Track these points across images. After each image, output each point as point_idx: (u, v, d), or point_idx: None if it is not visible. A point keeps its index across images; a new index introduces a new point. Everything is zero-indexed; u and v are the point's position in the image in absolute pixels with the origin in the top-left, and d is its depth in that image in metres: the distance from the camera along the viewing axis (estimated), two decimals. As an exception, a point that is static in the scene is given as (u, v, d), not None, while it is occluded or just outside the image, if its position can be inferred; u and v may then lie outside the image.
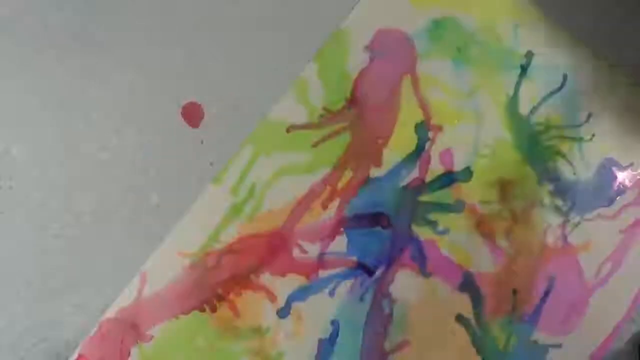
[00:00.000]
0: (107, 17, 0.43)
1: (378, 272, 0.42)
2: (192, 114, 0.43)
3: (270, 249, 0.41)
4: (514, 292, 0.42)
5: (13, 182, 0.42)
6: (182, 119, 0.43)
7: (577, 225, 0.43)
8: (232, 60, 0.43)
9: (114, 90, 0.42)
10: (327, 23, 0.44)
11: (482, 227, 0.42)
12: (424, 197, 0.42)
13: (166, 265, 0.41)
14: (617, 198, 0.44)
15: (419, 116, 0.43)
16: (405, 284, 0.42)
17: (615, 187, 0.44)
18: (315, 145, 0.42)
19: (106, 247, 0.42)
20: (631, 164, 0.44)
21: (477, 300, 0.42)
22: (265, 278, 0.41)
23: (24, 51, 0.43)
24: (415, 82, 0.43)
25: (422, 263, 0.42)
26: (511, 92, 0.44)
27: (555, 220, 0.43)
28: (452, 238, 0.42)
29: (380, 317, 0.42)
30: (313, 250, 0.42)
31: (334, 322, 0.41)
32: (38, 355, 0.41)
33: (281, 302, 0.41)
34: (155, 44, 0.43)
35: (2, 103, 0.42)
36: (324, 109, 0.43)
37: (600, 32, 0.45)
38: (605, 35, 0.45)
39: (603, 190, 0.44)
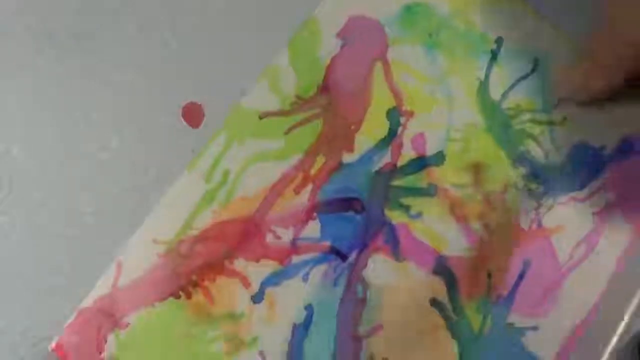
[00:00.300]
0: (107, 17, 0.44)
1: (351, 257, 0.42)
2: (193, 114, 0.43)
3: (244, 234, 0.42)
4: (489, 275, 0.42)
5: (13, 182, 0.42)
6: (183, 119, 0.43)
7: (550, 208, 0.43)
8: (230, 60, 0.44)
9: (114, 90, 0.43)
10: (299, 11, 0.44)
11: (456, 210, 0.43)
12: (397, 182, 0.43)
13: (141, 253, 0.41)
14: (589, 181, 0.44)
15: (390, 102, 0.44)
16: (378, 268, 0.42)
17: (587, 171, 0.44)
18: (287, 132, 0.43)
19: (106, 247, 0.42)
20: (603, 147, 0.44)
21: (451, 283, 0.42)
22: (239, 264, 0.42)
23: (24, 51, 0.43)
24: (386, 68, 0.44)
25: (395, 247, 0.42)
26: (482, 77, 0.44)
27: (529, 203, 0.44)
28: (425, 222, 0.43)
29: (354, 301, 0.42)
30: (286, 235, 0.42)
31: (307, 307, 0.42)
32: (38, 355, 0.42)
33: (255, 287, 0.42)
34: (155, 44, 0.43)
35: (2, 103, 0.43)
36: (296, 96, 0.43)
37: (572, 17, 0.45)
38: (579, 20, 0.45)
39: (575, 174, 0.44)
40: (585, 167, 0.44)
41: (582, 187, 0.44)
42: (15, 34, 0.42)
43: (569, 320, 0.43)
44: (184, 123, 0.44)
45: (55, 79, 0.43)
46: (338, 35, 0.44)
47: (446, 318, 0.42)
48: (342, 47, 0.44)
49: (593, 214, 0.44)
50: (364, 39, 0.44)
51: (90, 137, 0.43)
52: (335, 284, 0.42)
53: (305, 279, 0.42)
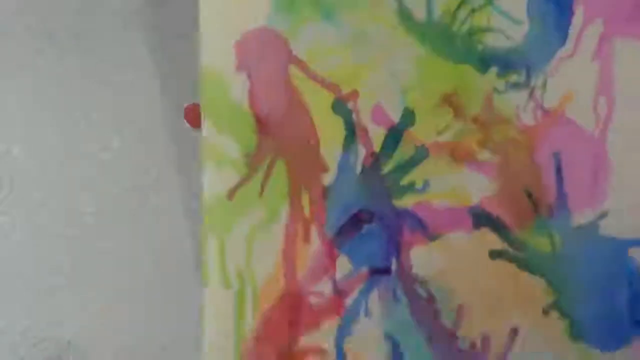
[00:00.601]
0: (106, 18, 0.44)
1: (393, 266, 0.40)
2: (194, 115, 0.42)
3: (291, 312, 0.40)
4: (528, 194, 0.39)
5: (14, 182, 0.44)
6: (184, 120, 0.43)
7: (544, 84, 0.39)
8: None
9: (114, 91, 0.43)
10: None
11: (457, 154, 0.39)
12: (386, 168, 0.40)
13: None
14: (568, 28, 0.38)
15: (328, 96, 0.41)
16: (423, 259, 0.40)
17: (557, 19, 0.39)
18: (261, 193, 0.41)
19: (107, 247, 0.43)
20: None
21: (498, 227, 0.40)
22: (305, 341, 0.41)
23: (24, 51, 0.45)
24: (302, 66, 0.40)
25: (424, 230, 0.40)
26: (395, 5, 0.39)
27: (521, 97, 0.39)
28: (435, 186, 0.40)
29: (423, 303, 0.40)
30: (326, 286, 0.41)
31: (388, 337, 0.40)
32: (38, 355, 0.44)
33: (332, 351, 0.41)
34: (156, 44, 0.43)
35: (2, 103, 0.44)
36: (244, 156, 0.41)
37: None
38: None
39: (547, 31, 0.39)
40: (552, 17, 0.39)
41: (563, 40, 0.39)
42: (16, 34, 0.43)
43: (636, 186, 0.38)
44: (185, 124, 0.43)
45: (55, 79, 0.44)
46: (238, 68, 0.40)
47: (516, 261, 0.39)
48: (249, 77, 0.41)
49: (592, 59, 0.38)
50: (262, 53, 0.41)
51: (91, 137, 0.43)
52: (396, 300, 0.40)
53: (368, 314, 0.40)
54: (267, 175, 0.41)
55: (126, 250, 0.43)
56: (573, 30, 0.39)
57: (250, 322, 0.41)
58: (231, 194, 0.41)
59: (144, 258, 0.43)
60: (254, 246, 0.41)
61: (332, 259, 0.40)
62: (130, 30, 0.43)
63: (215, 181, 0.41)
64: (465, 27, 0.40)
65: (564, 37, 0.39)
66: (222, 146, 0.41)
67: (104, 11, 0.43)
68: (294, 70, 0.40)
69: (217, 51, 0.41)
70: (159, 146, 0.42)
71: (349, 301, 0.41)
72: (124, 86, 0.43)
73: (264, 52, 0.40)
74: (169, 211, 0.42)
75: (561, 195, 0.39)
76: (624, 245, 0.39)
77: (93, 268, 0.43)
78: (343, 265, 0.41)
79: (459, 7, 0.40)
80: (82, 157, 0.42)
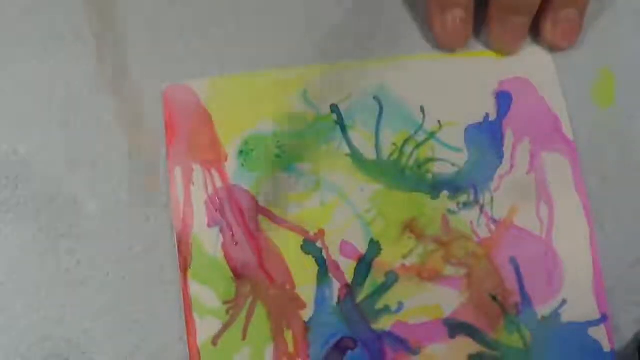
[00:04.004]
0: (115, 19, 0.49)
1: (382, 386, 0.45)
2: None
3: None
4: (494, 298, 0.45)
5: (19, 181, 0.47)
6: None
7: (492, 201, 0.47)
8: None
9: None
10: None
11: (424, 274, 0.46)
12: (360, 296, 0.46)
13: None
14: (502, 149, 0.47)
15: (297, 240, 0.47)
16: None
17: (491, 143, 0.48)
18: (244, 337, 0.46)
19: (108, 247, 0.45)
20: (486, 115, 0.46)
21: (472, 332, 0.46)
22: None
23: (28, 51, 0.48)
24: (269, 215, 0.47)
25: (406, 347, 0.46)
26: (347, 150, 0.46)
27: (473, 214, 0.47)
28: (409, 306, 0.46)
29: None
30: (320, 418, 0.45)
31: None
32: (38, 355, 0.45)
33: None
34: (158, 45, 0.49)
35: (8, 102, 0.46)
36: (224, 303, 0.46)
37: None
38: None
39: (485, 155, 0.48)
40: (488, 141, 0.48)
41: (500, 158, 0.48)
42: (20, 34, 0.45)
43: (584, 270, 0.46)
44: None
45: (63, 79, 0.48)
46: (208, 224, 0.47)
47: (494, 359, 0.45)
48: (221, 231, 0.47)
49: (527, 173, 0.47)
50: (230, 208, 0.47)
51: (97, 137, 0.47)
52: (391, 420, 0.45)
53: None
54: (248, 319, 0.46)
55: (126, 250, 0.46)
56: (506, 151, 0.48)
57: None
58: (215, 341, 0.46)
59: (145, 258, 0.46)
60: (245, 388, 0.45)
61: (322, 389, 0.46)
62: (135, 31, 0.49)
63: (200, 330, 0.46)
64: (413, 160, 0.48)
65: (500, 157, 0.48)
66: (203, 298, 0.46)
67: (112, 12, 0.49)
68: (262, 220, 0.47)
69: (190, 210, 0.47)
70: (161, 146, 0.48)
71: None
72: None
73: (232, 207, 0.47)
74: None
75: (523, 293, 0.46)
76: (584, 327, 0.46)
77: (94, 268, 0.46)
78: (333, 393, 0.46)
79: (404, 144, 0.48)
80: (89, 157, 0.46)
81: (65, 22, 0.49)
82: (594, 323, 0.46)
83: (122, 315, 0.46)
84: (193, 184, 0.47)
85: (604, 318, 0.46)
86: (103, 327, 0.46)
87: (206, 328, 0.46)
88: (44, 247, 0.46)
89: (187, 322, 0.46)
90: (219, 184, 0.47)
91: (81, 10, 0.48)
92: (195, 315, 0.46)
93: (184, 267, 0.46)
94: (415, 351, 0.46)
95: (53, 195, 0.47)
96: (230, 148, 0.48)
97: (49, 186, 0.47)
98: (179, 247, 0.46)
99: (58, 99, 0.48)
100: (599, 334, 0.46)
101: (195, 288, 0.46)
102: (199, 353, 0.45)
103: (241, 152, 0.48)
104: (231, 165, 0.48)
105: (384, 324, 0.46)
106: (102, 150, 0.47)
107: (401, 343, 0.46)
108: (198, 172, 0.47)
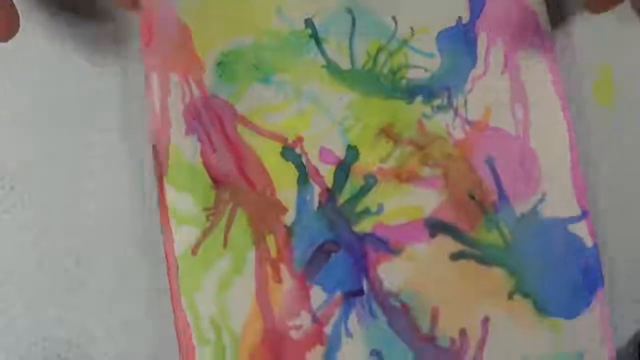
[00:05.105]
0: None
1: (365, 286, 0.47)
2: None
3: (275, 352, 0.46)
4: (472, 197, 0.47)
5: (15, 182, 0.47)
6: None
7: (466, 103, 0.49)
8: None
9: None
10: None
11: (402, 176, 0.48)
12: (341, 200, 0.48)
13: None
14: (475, 52, 0.49)
15: (276, 146, 0.48)
16: (390, 273, 0.48)
17: (464, 47, 0.50)
18: (225, 244, 0.47)
19: (108, 247, 0.46)
20: (459, 18, 0.49)
21: (452, 231, 0.48)
22: (295, 375, 0.46)
23: (26, 52, 0.48)
24: (248, 124, 0.48)
25: (386, 247, 0.47)
26: (323, 61, 0.48)
27: (448, 117, 0.49)
28: (389, 207, 0.48)
29: (399, 314, 0.47)
30: (305, 319, 0.47)
31: (373, 352, 0.47)
32: (38, 355, 0.46)
33: (323, 380, 0.46)
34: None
35: (4, 103, 0.47)
36: (204, 209, 0.47)
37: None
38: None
39: (458, 59, 0.50)
40: (460, 45, 0.50)
41: (474, 61, 0.50)
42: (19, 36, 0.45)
43: (563, 168, 0.48)
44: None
45: (60, 80, 0.48)
46: (186, 132, 0.48)
47: (474, 258, 0.47)
48: (199, 139, 0.48)
49: (501, 72, 0.50)
50: (208, 117, 0.48)
51: (97, 138, 0.48)
52: (373, 316, 0.47)
53: (350, 334, 0.47)
54: (228, 226, 0.47)
55: (127, 251, 0.47)
56: (480, 53, 0.50)
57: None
58: (195, 250, 0.47)
59: (144, 258, 0.47)
60: (227, 296, 0.47)
61: (306, 291, 0.47)
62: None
63: (178, 240, 0.47)
64: (387, 68, 0.50)
65: (473, 60, 0.50)
66: (181, 204, 0.47)
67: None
68: (241, 129, 0.48)
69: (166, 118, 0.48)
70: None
71: (329, 328, 0.47)
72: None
73: (211, 116, 0.48)
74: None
75: (501, 192, 0.48)
76: (564, 223, 0.48)
77: (94, 268, 0.46)
78: (317, 295, 0.47)
79: (377, 53, 0.50)
80: (86, 158, 0.47)
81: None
82: (575, 219, 0.49)
83: (122, 315, 0.47)
84: (170, 92, 0.48)
85: (584, 214, 0.48)
86: (103, 327, 0.47)
87: (184, 237, 0.47)
88: (44, 247, 0.47)
89: (164, 231, 0.47)
90: (197, 93, 0.48)
91: None
92: (173, 224, 0.47)
93: (160, 174, 0.47)
94: (396, 251, 0.48)
95: (49, 195, 0.48)
96: (208, 60, 0.49)
97: (46, 186, 0.48)
98: (155, 153, 0.47)
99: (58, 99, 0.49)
100: (580, 229, 0.48)
101: (172, 195, 0.47)
102: (177, 264, 0.46)
103: (219, 63, 0.49)
104: (209, 76, 0.49)
105: (364, 226, 0.48)
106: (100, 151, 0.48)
107: (382, 244, 0.48)
108: (175, 81, 0.48)
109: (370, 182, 0.48)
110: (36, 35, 0.48)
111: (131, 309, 0.47)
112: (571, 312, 0.48)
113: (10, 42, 0.41)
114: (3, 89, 0.48)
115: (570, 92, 0.51)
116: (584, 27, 0.52)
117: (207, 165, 0.48)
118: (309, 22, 0.50)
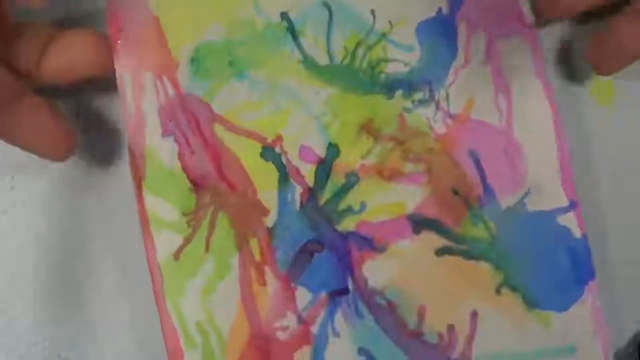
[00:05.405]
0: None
1: (350, 285, 0.47)
2: None
3: (262, 354, 0.46)
4: (455, 192, 0.46)
5: (15, 181, 0.47)
6: None
7: (447, 96, 0.48)
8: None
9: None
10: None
11: (384, 173, 0.47)
12: (323, 199, 0.48)
13: None
14: (456, 43, 0.49)
15: (255, 146, 0.48)
16: (375, 271, 0.47)
17: (444, 38, 0.49)
18: (207, 248, 0.47)
19: (108, 247, 0.46)
20: (439, 9, 0.48)
21: (436, 227, 0.47)
22: (282, 376, 0.46)
23: None
24: (226, 125, 0.48)
25: (370, 245, 0.47)
26: (300, 56, 0.47)
27: (429, 111, 0.49)
28: (372, 205, 0.48)
29: (385, 312, 0.47)
30: (291, 320, 0.47)
31: (360, 351, 0.46)
32: (38, 355, 0.46)
33: (312, 377, 0.46)
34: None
35: None
36: (183, 214, 0.47)
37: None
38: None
39: (438, 50, 0.49)
40: (440, 37, 0.49)
41: (454, 53, 0.49)
42: None
43: (550, 158, 0.48)
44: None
45: None
46: (163, 134, 0.47)
47: (460, 253, 0.46)
48: (176, 140, 0.47)
49: (483, 63, 0.49)
50: (185, 118, 0.47)
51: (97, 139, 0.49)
52: (360, 315, 0.47)
53: (337, 333, 0.46)
54: (210, 230, 0.47)
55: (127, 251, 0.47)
56: (460, 44, 0.49)
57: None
58: (177, 255, 0.46)
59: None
60: (212, 300, 0.46)
61: (291, 292, 0.47)
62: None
63: (161, 246, 0.46)
64: (365, 63, 0.49)
65: (454, 51, 0.49)
66: (162, 212, 0.47)
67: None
68: (218, 128, 0.48)
69: (144, 123, 0.47)
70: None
71: (315, 328, 0.47)
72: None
73: (187, 116, 0.48)
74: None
75: (486, 185, 0.48)
76: (552, 215, 0.48)
77: (94, 268, 0.46)
78: (303, 296, 0.47)
79: (356, 47, 0.49)
80: (87, 157, 0.47)
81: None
82: (563, 210, 0.48)
83: (121, 315, 0.48)
84: (144, 92, 0.47)
85: (572, 205, 0.48)
86: (102, 327, 0.47)
87: (166, 243, 0.46)
88: (44, 247, 0.47)
89: (144, 239, 0.46)
90: (171, 92, 0.47)
91: None
92: (153, 230, 0.46)
93: (138, 179, 0.46)
94: (381, 249, 0.47)
95: (49, 195, 0.48)
96: (181, 56, 0.48)
97: (45, 186, 0.48)
98: (131, 158, 0.47)
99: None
100: (568, 221, 0.48)
101: (151, 201, 0.46)
102: (160, 270, 0.46)
103: (193, 60, 0.48)
104: (183, 74, 0.48)
105: (348, 224, 0.48)
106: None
107: (366, 242, 0.47)
108: (148, 80, 0.47)
109: (352, 180, 0.48)
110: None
111: (131, 309, 0.48)
112: (561, 305, 0.47)
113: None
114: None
115: (570, 92, 0.51)
116: (583, 28, 0.52)
117: (185, 168, 0.47)
118: (284, 16, 0.49)
